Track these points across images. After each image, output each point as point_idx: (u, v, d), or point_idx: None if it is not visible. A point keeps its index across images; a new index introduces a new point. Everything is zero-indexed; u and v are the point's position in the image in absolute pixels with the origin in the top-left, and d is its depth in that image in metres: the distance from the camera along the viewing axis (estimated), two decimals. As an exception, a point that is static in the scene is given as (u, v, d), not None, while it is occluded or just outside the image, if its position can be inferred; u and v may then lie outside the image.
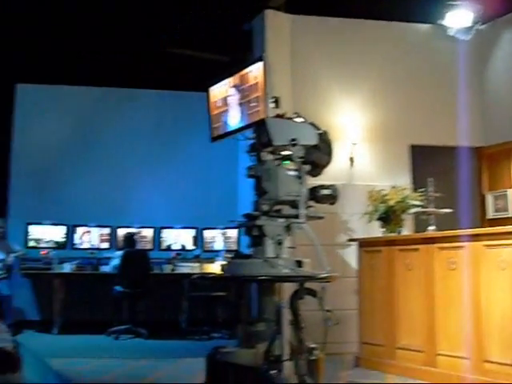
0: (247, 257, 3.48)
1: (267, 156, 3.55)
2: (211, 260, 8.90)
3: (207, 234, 9.48)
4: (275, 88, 3.78)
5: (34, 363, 6.01)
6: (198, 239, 9.48)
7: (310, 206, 3.47)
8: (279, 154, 3.51)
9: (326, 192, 3.52)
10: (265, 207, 3.39)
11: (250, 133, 3.83)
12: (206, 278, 5.83)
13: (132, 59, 8.97)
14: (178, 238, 9.51)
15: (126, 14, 7.95)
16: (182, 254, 9.31)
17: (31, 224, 8.98)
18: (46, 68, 9.02)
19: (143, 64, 9.05)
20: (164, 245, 9.48)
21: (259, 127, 3.61)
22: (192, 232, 9.51)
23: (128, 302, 8.39)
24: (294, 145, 3.47)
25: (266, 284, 3.42)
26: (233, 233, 9.25)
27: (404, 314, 5.31)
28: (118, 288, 8.19)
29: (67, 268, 8.69)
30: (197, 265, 8.88)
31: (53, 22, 8.22)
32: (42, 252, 8.87)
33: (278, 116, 3.64)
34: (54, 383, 5.49)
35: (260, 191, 3.48)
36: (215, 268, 8.52)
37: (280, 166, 3.50)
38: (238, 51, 7.81)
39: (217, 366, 3.40)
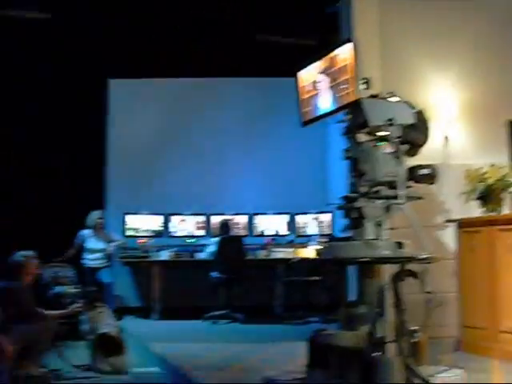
0: (346, 239, 3.46)
1: (363, 137, 3.51)
2: (304, 245, 8.92)
3: (300, 219, 9.50)
4: (365, 69, 3.72)
5: (136, 347, 6.25)
6: (291, 225, 9.52)
7: (409, 187, 3.42)
8: (375, 135, 3.47)
9: (424, 172, 3.46)
10: (363, 189, 3.36)
11: (340, 115, 3.80)
12: (305, 261, 5.84)
13: (220, 48, 9.07)
14: (271, 223, 9.58)
15: (214, 3, 8.04)
16: (276, 240, 9.38)
17: (128, 214, 9.27)
18: (136, 62, 9.25)
19: (231, 52, 9.12)
20: (257, 231, 9.57)
21: (354, 109, 3.57)
22: (285, 218, 9.55)
23: (224, 288, 8.53)
24: (391, 125, 3.42)
25: (366, 266, 3.39)
26: (325, 217, 9.22)
27: (507, 295, 5.13)
28: (214, 274, 8.34)
29: (164, 255, 8.93)
30: (290, 250, 8.92)
31: (140, 16, 8.44)
32: (140, 241, 9.15)
33: (373, 96, 3.59)
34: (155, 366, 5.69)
35: (357, 173, 3.45)
36: (309, 253, 8.55)
37: (377, 146, 3.45)
38: (325, 34, 7.74)
39: (318, 349, 3.41)
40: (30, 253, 5.80)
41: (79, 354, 5.94)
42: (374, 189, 3.40)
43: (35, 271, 5.90)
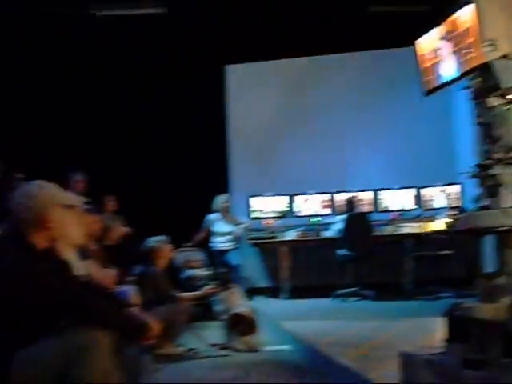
0: (481, 209, 3.31)
1: (495, 101, 3.33)
2: (432, 218, 8.68)
3: (426, 192, 9.24)
4: (488, 30, 3.52)
5: (267, 326, 6.34)
6: (417, 198, 9.29)
7: (548, 150, 3.21)
8: (508, 98, 3.28)
9: None
10: (498, 155, 3.19)
11: (465, 81, 3.62)
12: (440, 232, 5.64)
13: (334, 23, 8.95)
14: (397, 198, 9.39)
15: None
16: (403, 215, 9.19)
17: (253, 196, 9.41)
18: (250, 47, 9.31)
19: (345, 27, 8.98)
20: (382, 206, 9.41)
21: (482, 72, 3.40)
22: (411, 192, 9.33)
23: (352, 265, 8.47)
24: (525, 86, 3.22)
25: (505, 235, 3.23)
26: (453, 189, 8.93)
27: None
28: (341, 252, 8.30)
29: (291, 235, 8.99)
30: (417, 224, 8.70)
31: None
32: (266, 222, 9.26)
33: (503, 57, 3.40)
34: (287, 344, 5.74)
35: (491, 139, 3.28)
36: (437, 226, 8.30)
37: (511, 110, 3.27)
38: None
39: (457, 323, 3.30)
40: (162, 238, 6.02)
41: (214, 333, 6.11)
42: (511, 154, 3.23)
43: (169, 256, 6.12)
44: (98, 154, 9.27)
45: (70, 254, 3.30)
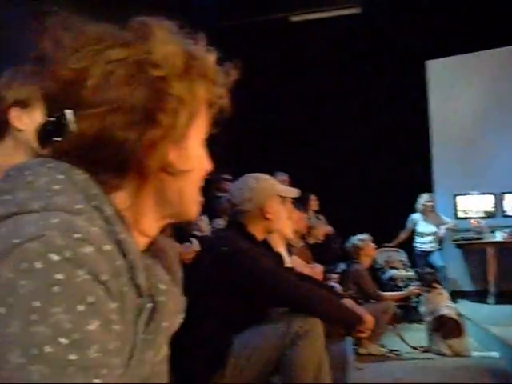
0: None
1: None
2: None
3: None
4: None
5: (473, 330, 6.11)
6: None
7: None
8: None
9: None
10: None
11: None
12: None
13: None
14: None
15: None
16: None
17: (458, 195, 9.09)
18: (450, 40, 9.01)
19: None
20: None
21: None
22: None
23: None
24: None
25: None
26: None
27: None
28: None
29: (499, 236, 8.55)
30: None
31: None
32: (472, 222, 8.90)
33: None
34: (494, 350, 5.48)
35: None
36: None
37: None
38: None
39: None
40: (366, 236, 6.05)
41: (416, 335, 6.02)
42: None
43: (372, 254, 6.15)
44: (302, 153, 9.54)
45: (281, 248, 3.45)
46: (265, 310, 2.74)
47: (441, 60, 9.54)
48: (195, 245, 3.65)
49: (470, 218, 8.95)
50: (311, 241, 6.31)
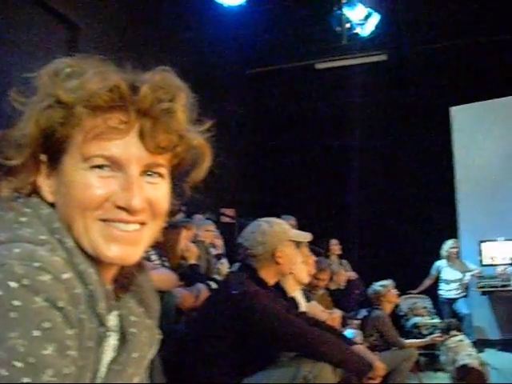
0: None
1: None
2: None
3: None
4: None
5: (498, 380, 5.95)
6: None
7: None
8: None
9: None
10: None
11: None
12: None
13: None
14: None
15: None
16: None
17: (484, 241, 8.98)
18: (473, 86, 9.05)
19: None
20: None
21: None
22: None
23: None
24: None
25: None
26: None
27: None
28: None
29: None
30: None
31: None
32: (498, 269, 8.76)
33: None
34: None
35: None
36: None
37: None
38: None
39: None
40: (389, 282, 5.99)
41: (440, 384, 5.91)
42: None
43: (394, 300, 6.07)
44: (328, 199, 9.56)
45: (296, 292, 3.44)
46: (274, 354, 2.73)
47: (465, 106, 9.56)
48: (199, 290, 3.62)
49: (496, 264, 8.81)
50: (333, 286, 6.27)
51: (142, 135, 1.01)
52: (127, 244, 1.03)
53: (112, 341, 1.07)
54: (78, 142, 1.00)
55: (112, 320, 1.07)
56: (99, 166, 1.01)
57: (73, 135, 1.00)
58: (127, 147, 1.01)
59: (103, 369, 1.02)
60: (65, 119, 0.99)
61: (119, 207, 1.01)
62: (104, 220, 1.01)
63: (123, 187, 1.01)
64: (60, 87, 0.99)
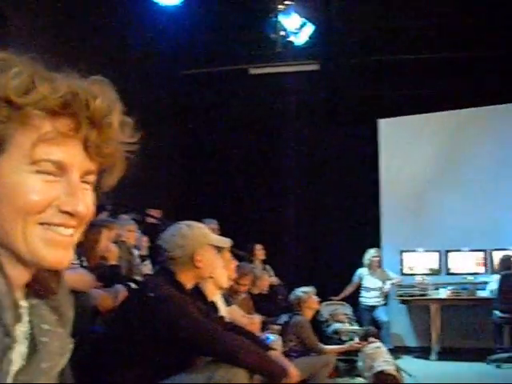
0: None
1: None
2: None
3: None
4: None
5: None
6: None
7: None
8: None
9: None
10: None
11: None
12: None
13: (493, 73, 8.71)
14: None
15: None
16: None
17: (405, 252, 9.22)
18: (402, 100, 9.31)
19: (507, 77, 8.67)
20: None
21: None
22: None
23: (509, 328, 7.98)
24: None
25: None
26: None
27: None
28: (497, 313, 7.86)
29: (443, 294, 8.65)
30: None
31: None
32: (417, 278, 9.00)
33: None
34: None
35: None
36: None
37: None
38: None
39: None
40: (310, 289, 6.06)
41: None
42: None
43: (315, 307, 6.15)
44: (251, 204, 9.61)
45: (215, 296, 3.44)
46: (190, 358, 2.72)
47: (392, 119, 9.79)
48: (117, 290, 3.57)
49: (416, 274, 9.07)
50: (255, 291, 6.29)
51: (85, 143, 1.02)
52: (64, 248, 1.03)
53: (22, 349, 1.04)
54: (23, 143, 0.98)
55: (21, 328, 1.04)
56: (45, 171, 0.99)
57: (14, 135, 0.98)
58: (72, 153, 1.01)
59: (10, 380, 0.99)
60: (8, 118, 0.96)
61: (63, 212, 1.00)
62: (42, 224, 1.00)
63: (68, 192, 1.00)
64: (9, 87, 0.96)
